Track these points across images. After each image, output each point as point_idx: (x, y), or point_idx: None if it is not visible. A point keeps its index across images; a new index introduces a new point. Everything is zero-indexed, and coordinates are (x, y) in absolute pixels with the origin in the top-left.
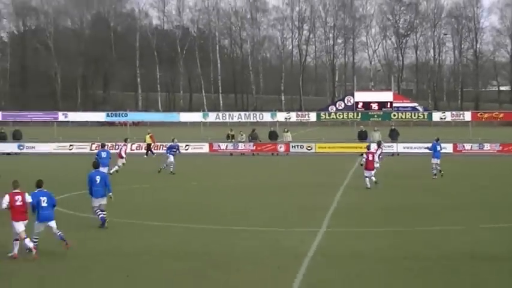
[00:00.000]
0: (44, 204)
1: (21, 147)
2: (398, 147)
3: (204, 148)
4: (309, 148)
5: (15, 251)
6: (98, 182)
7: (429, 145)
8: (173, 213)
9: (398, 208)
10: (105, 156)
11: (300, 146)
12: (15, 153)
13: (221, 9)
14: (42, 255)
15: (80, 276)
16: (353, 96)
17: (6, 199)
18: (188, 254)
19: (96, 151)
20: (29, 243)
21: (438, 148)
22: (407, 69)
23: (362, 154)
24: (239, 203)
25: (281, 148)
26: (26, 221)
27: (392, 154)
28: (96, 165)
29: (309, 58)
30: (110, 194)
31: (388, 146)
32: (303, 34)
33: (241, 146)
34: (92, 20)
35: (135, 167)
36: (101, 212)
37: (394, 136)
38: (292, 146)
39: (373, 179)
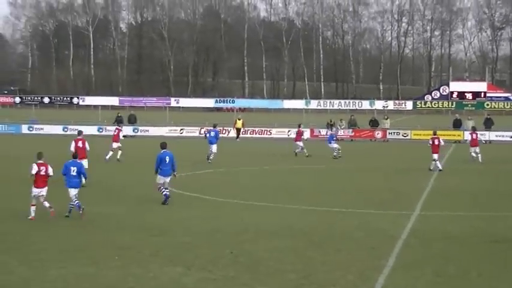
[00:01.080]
0: (74, 173)
1: (136, 131)
2: (491, 136)
3: (306, 134)
4: (405, 135)
5: (33, 214)
6: (167, 161)
7: None
8: (271, 195)
9: (489, 193)
10: (213, 135)
11: (397, 132)
12: (131, 136)
13: (325, 2)
14: (147, 231)
15: (187, 251)
16: (448, 86)
17: (34, 167)
18: (288, 232)
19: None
20: (46, 204)
21: None
22: (501, 61)
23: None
24: (336, 186)
25: (378, 134)
26: (46, 187)
27: (485, 142)
28: (164, 146)
29: (407, 49)
30: (175, 173)
31: (481, 134)
32: (402, 26)
33: (340, 132)
34: (204, 11)
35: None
36: (165, 190)
37: (488, 125)
38: (389, 133)
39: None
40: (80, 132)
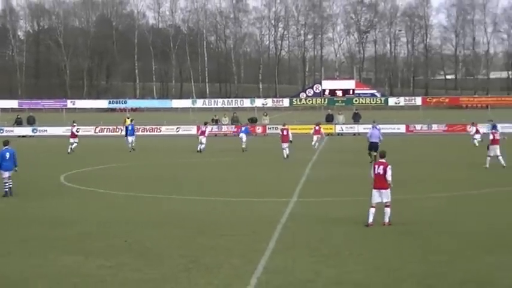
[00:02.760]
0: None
1: (35, 131)
2: (359, 128)
3: (193, 130)
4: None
5: None
6: (7, 157)
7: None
8: (162, 187)
9: (356, 180)
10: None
11: (275, 128)
12: (30, 136)
13: (208, 10)
14: (46, 224)
15: (84, 241)
16: (321, 84)
17: None
18: (177, 221)
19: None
20: None
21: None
22: (367, 61)
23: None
24: (221, 177)
25: (259, 130)
26: None
27: (354, 134)
28: (6, 143)
29: (283, 52)
30: (16, 168)
31: (351, 127)
32: (278, 31)
33: (224, 128)
34: (97, 19)
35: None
36: (8, 184)
37: (357, 119)
38: (269, 128)
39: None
40: None
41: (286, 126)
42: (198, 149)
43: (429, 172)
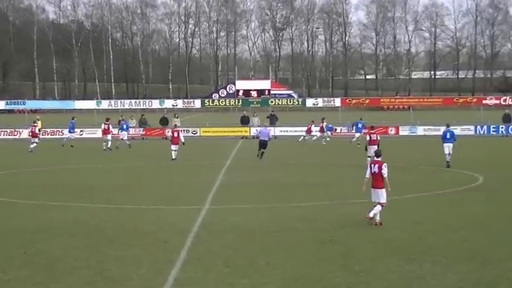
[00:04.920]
0: None
1: None
2: (276, 131)
3: (98, 133)
4: (194, 132)
5: None
6: None
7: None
8: (65, 194)
9: (273, 185)
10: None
11: (186, 130)
12: None
13: (113, 4)
14: None
15: None
16: (234, 84)
17: None
18: (82, 231)
19: None
20: None
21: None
22: (283, 60)
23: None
24: (128, 184)
25: (169, 133)
26: None
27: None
28: None
29: (195, 50)
30: None
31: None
32: (189, 28)
33: (131, 131)
34: None
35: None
36: None
37: (273, 121)
38: (167, 131)
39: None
40: None
41: (177, 128)
42: (104, 147)
43: (351, 176)
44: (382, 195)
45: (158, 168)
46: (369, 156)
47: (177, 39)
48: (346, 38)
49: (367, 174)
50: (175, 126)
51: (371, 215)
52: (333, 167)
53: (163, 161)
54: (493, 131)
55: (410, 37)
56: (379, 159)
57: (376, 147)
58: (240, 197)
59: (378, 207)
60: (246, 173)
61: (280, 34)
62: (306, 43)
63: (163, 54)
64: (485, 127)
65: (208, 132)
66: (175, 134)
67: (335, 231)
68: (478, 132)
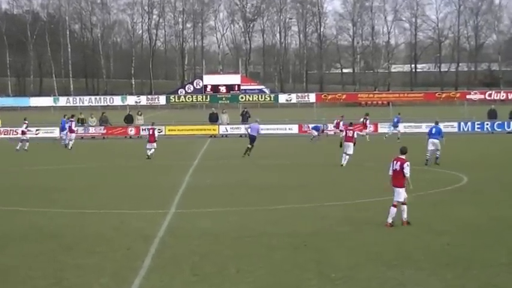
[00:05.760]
0: None
1: None
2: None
3: (55, 132)
4: (159, 131)
5: None
6: None
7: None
8: (21, 198)
9: (242, 187)
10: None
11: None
12: None
13: None
14: None
15: None
16: (202, 79)
17: None
18: (38, 237)
19: None
20: None
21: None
22: (254, 53)
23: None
24: (89, 186)
25: (132, 131)
26: None
27: (240, 136)
28: None
29: (159, 42)
30: None
31: (236, 128)
32: (153, 19)
33: (91, 129)
34: None
35: None
36: None
37: (246, 119)
38: (143, 129)
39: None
40: None
41: (153, 126)
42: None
43: (332, 176)
44: (401, 194)
45: (121, 168)
46: (344, 153)
47: (140, 31)
48: (321, 29)
49: (390, 172)
50: (153, 124)
51: (390, 220)
52: (315, 167)
53: (126, 161)
54: (478, 128)
55: (389, 28)
56: (404, 156)
57: (352, 144)
58: (209, 199)
59: (393, 210)
60: (215, 174)
61: (251, 25)
62: (278, 35)
63: (126, 47)
64: (469, 123)
65: (174, 130)
66: (151, 132)
67: (310, 236)
68: (462, 129)
